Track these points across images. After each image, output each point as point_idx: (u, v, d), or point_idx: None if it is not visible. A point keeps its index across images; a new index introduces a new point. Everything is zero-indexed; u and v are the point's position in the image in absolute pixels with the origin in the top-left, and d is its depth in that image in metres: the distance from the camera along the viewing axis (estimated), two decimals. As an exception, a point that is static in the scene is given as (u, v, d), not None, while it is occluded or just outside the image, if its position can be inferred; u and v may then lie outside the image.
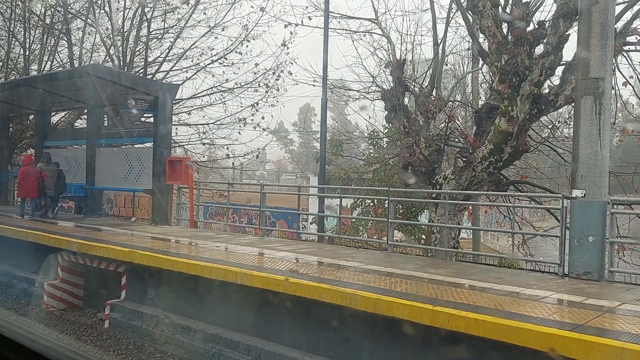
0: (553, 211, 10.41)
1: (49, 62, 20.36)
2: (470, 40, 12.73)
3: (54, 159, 16.35)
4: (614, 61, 8.81)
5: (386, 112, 12.61)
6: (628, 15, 9.92)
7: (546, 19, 9.98)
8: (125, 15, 18.50)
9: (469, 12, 10.87)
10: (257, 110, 18.57)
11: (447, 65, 16.47)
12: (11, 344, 1.77)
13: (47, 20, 19.97)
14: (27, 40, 20.14)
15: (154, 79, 17.96)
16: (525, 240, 12.28)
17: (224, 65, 18.58)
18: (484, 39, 10.57)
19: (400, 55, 13.26)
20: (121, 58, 18.01)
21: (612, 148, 10.53)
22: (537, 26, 9.68)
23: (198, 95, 19.07)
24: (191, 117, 19.48)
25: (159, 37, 19.13)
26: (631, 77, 10.90)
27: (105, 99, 14.31)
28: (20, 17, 20.23)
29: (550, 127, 13.04)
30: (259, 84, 18.60)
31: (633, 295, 6.29)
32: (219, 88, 18.81)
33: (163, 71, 19.10)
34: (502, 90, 9.69)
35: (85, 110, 17.21)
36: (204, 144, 19.59)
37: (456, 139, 12.56)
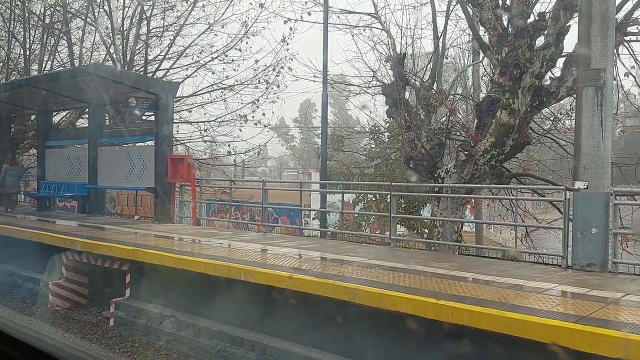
0: (556, 203, 10.41)
1: (49, 62, 20.37)
2: (471, 33, 12.71)
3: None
4: (615, 52, 8.76)
5: (387, 107, 12.59)
6: (629, 5, 9.89)
7: (546, 11, 9.95)
8: (125, 13, 18.51)
9: (469, 4, 10.84)
10: (257, 107, 18.56)
11: (447, 59, 16.46)
12: (18, 344, 1.78)
13: (47, 20, 19.97)
14: (27, 40, 20.14)
15: (154, 77, 17.96)
16: (528, 233, 12.28)
17: (224, 63, 18.59)
18: (484, 32, 10.54)
19: (401, 50, 13.25)
20: (121, 57, 18.01)
21: (614, 139, 10.50)
22: (537, 18, 9.65)
23: (198, 92, 19.09)
24: (192, 114, 19.51)
25: (159, 35, 19.13)
26: (633, 67, 10.89)
27: (107, 98, 14.34)
28: (20, 18, 20.23)
29: (552, 119, 13.03)
30: (259, 81, 18.60)
31: (637, 286, 6.29)
32: (219, 85, 18.82)
33: (163, 69, 19.12)
34: (503, 82, 9.67)
35: (87, 110, 17.23)
36: (205, 141, 19.62)
37: (458, 133, 12.54)
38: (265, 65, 18.57)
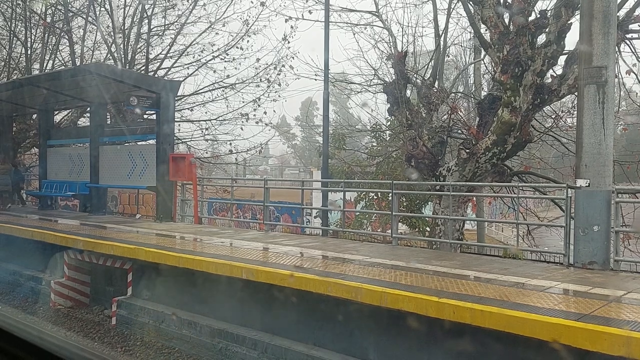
0: (557, 201, 10.40)
1: (51, 61, 20.41)
2: (472, 31, 12.69)
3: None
4: (616, 49, 8.74)
5: (388, 105, 12.58)
6: (630, 2, 9.86)
7: (548, 8, 9.93)
8: (126, 12, 18.53)
9: (470, 2, 10.83)
10: (259, 106, 18.57)
11: (449, 57, 16.45)
12: (20, 342, 1.78)
13: (48, 19, 20.00)
14: (29, 39, 20.17)
15: (156, 75, 17.96)
16: (530, 231, 12.27)
17: (225, 61, 18.58)
18: (486, 30, 10.52)
19: (402, 48, 13.22)
20: (122, 56, 18.03)
21: (616, 137, 10.48)
22: (539, 15, 9.63)
23: (200, 91, 19.09)
24: (193, 113, 19.52)
25: (160, 34, 19.14)
26: (634, 65, 10.84)
27: (108, 97, 14.34)
28: (21, 17, 20.26)
29: (553, 117, 12.99)
30: (260, 79, 18.58)
31: (638, 284, 6.28)
32: (221, 84, 18.82)
33: (164, 68, 19.12)
34: (505, 80, 9.65)
35: (88, 109, 17.25)
36: (207, 140, 19.63)
37: (459, 131, 12.53)
38: (267, 64, 18.60)
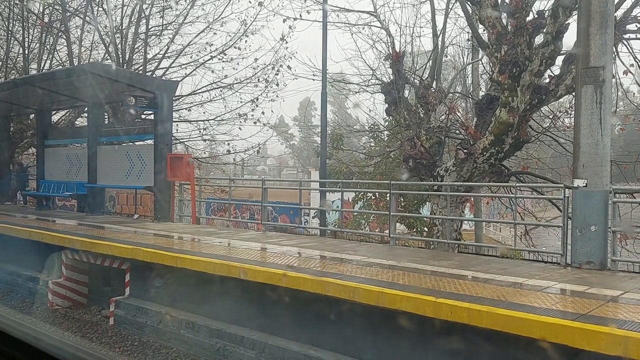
0: (555, 201, 10.42)
1: (48, 61, 20.38)
2: (470, 31, 12.71)
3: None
4: (614, 50, 8.76)
5: (386, 105, 12.59)
6: (628, 3, 9.90)
7: (545, 9, 9.94)
8: (124, 12, 18.52)
9: (468, 2, 10.84)
10: (257, 106, 18.57)
11: (446, 57, 16.45)
12: (16, 343, 1.78)
13: (46, 19, 19.96)
14: (26, 39, 20.14)
15: (154, 75, 17.94)
16: (527, 231, 12.29)
17: (223, 61, 18.57)
18: (484, 30, 10.53)
19: (400, 48, 13.23)
20: (120, 56, 18.01)
21: (614, 137, 10.48)
22: (536, 16, 9.64)
23: (198, 91, 19.07)
24: (191, 113, 19.51)
25: (158, 33, 19.12)
26: (632, 65, 10.86)
27: (104, 97, 14.31)
28: (19, 17, 20.22)
29: (551, 117, 13.01)
30: (258, 79, 18.58)
31: (636, 283, 6.29)
32: (219, 84, 18.81)
33: (162, 68, 19.11)
34: (502, 81, 9.66)
35: (86, 109, 17.23)
36: (204, 140, 19.62)
37: (457, 131, 12.54)
38: (265, 64, 18.59)
